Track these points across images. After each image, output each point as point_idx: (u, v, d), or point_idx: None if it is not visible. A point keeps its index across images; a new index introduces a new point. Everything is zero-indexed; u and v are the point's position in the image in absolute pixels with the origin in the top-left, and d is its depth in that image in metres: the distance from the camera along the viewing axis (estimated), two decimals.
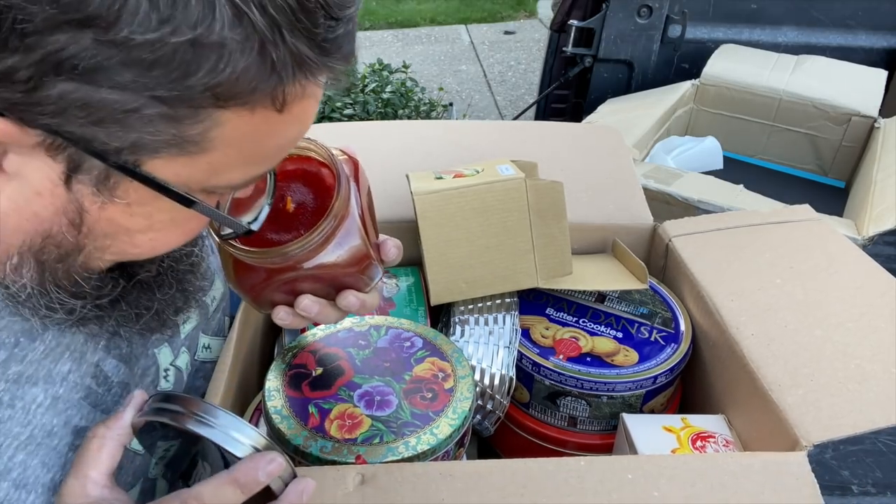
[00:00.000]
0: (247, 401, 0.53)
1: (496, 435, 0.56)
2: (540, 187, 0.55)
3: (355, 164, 0.40)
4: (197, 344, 0.46)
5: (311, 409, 0.43)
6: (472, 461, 0.40)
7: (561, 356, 0.54)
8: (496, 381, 0.52)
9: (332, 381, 0.46)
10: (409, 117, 1.93)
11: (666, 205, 1.11)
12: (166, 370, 0.42)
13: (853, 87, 1.31)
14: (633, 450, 0.48)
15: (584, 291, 0.60)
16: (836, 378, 0.45)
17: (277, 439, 0.42)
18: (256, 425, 0.50)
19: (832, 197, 1.37)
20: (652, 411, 0.55)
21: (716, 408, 0.54)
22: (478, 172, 0.58)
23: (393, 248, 0.40)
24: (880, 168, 1.17)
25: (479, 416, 0.53)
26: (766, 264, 0.57)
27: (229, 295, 0.53)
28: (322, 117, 1.83)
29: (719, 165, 1.39)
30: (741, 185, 1.14)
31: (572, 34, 1.56)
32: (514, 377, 0.52)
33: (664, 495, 0.38)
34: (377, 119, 1.89)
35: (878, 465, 0.47)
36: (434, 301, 0.56)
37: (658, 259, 0.65)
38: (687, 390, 0.60)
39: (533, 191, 0.55)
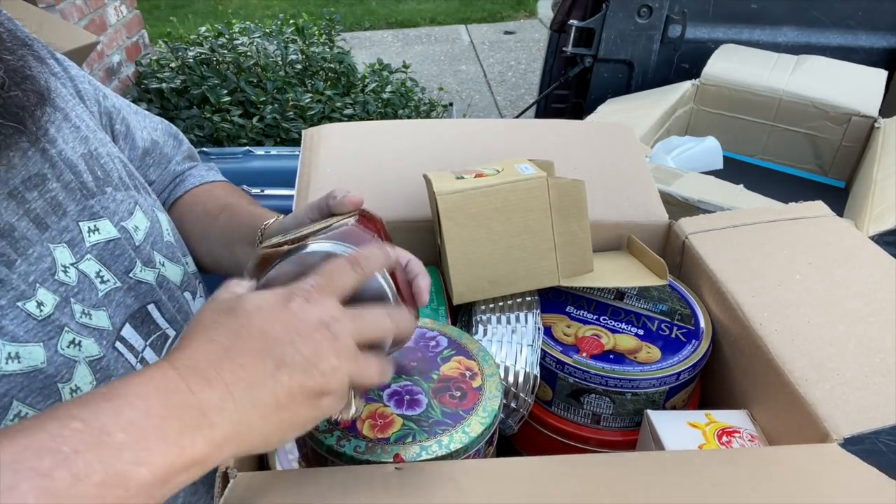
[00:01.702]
0: None
1: (518, 433, 0.56)
2: (561, 186, 0.55)
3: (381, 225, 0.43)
4: (128, 263, 0.48)
5: None
6: (500, 459, 0.40)
7: (584, 354, 0.54)
8: (520, 380, 0.52)
9: None
10: (408, 117, 1.93)
11: (666, 204, 1.12)
12: (65, 267, 0.44)
13: (853, 87, 1.32)
14: (659, 446, 0.48)
15: (603, 289, 0.61)
16: (861, 372, 0.46)
17: (310, 438, 0.42)
18: None
19: (832, 197, 1.38)
20: (674, 407, 0.55)
21: (738, 403, 0.54)
22: (498, 172, 0.57)
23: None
24: (880, 168, 1.19)
25: (503, 415, 0.53)
26: (784, 260, 0.57)
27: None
28: (322, 117, 1.83)
29: (719, 165, 1.40)
30: (741, 185, 1.15)
31: (572, 34, 1.57)
32: (539, 375, 0.52)
33: (698, 491, 0.38)
34: (377, 119, 1.89)
35: (878, 465, 0.47)
36: (457, 300, 0.56)
37: (674, 256, 0.65)
38: (706, 386, 0.60)
39: (555, 189, 0.55)
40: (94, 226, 0.46)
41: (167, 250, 0.52)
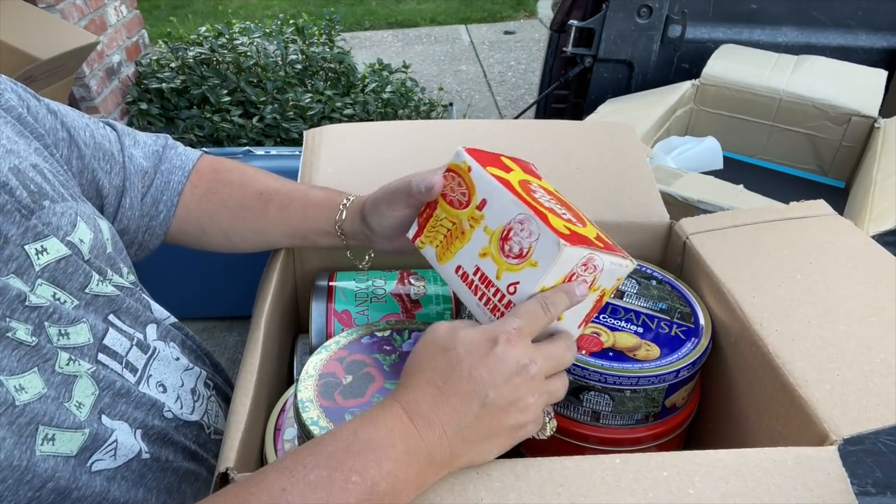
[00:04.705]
0: (270, 400, 0.52)
1: None
2: None
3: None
4: (83, 279, 0.46)
5: (349, 417, 0.43)
6: (507, 460, 0.40)
7: (583, 351, 0.53)
8: None
9: (364, 388, 0.45)
10: (408, 117, 1.93)
11: (666, 205, 1.12)
12: (22, 295, 0.41)
13: (853, 87, 1.32)
14: None
15: None
16: (861, 372, 0.46)
17: None
18: (283, 435, 0.50)
19: (832, 197, 1.38)
20: (674, 406, 0.55)
21: (738, 402, 0.54)
22: None
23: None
24: (880, 168, 1.19)
25: None
26: (785, 260, 0.57)
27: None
28: (322, 117, 1.83)
29: (719, 165, 1.40)
30: (741, 185, 1.15)
31: (572, 34, 1.57)
32: None
33: (699, 493, 0.38)
34: (377, 119, 1.89)
35: (878, 465, 0.47)
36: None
37: (675, 257, 0.65)
38: (706, 385, 0.60)
39: None
40: (42, 246, 0.43)
41: (108, 262, 0.50)
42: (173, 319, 0.56)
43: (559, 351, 0.41)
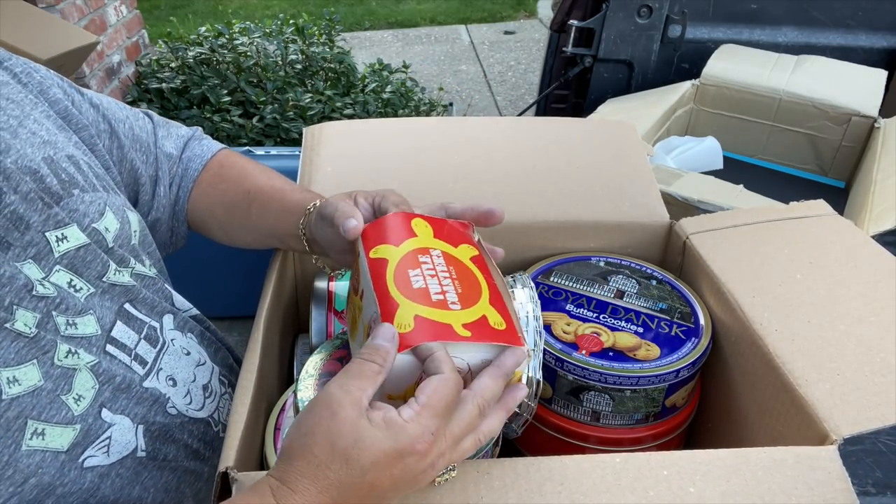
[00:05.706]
0: (270, 400, 0.53)
1: None
2: None
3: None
4: (101, 268, 0.47)
5: None
6: (507, 459, 0.40)
7: (584, 351, 0.54)
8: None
9: None
10: (408, 117, 1.93)
11: (666, 205, 1.12)
12: (40, 281, 0.42)
13: (853, 87, 1.32)
14: None
15: (603, 288, 0.61)
16: (861, 372, 0.46)
17: None
18: (283, 435, 0.50)
19: (832, 197, 1.38)
20: (674, 405, 0.55)
21: (738, 402, 0.54)
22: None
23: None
24: (880, 168, 1.19)
25: (507, 419, 0.53)
26: (785, 260, 0.57)
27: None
28: (322, 117, 1.83)
29: (719, 165, 1.40)
30: (741, 185, 1.15)
31: (572, 34, 1.57)
32: (542, 380, 0.52)
33: (700, 492, 0.38)
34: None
35: (878, 464, 0.47)
36: None
37: (675, 257, 0.65)
38: (706, 385, 0.60)
39: None
40: (62, 234, 0.44)
41: (131, 252, 0.51)
42: (195, 312, 0.57)
43: (468, 425, 0.36)
